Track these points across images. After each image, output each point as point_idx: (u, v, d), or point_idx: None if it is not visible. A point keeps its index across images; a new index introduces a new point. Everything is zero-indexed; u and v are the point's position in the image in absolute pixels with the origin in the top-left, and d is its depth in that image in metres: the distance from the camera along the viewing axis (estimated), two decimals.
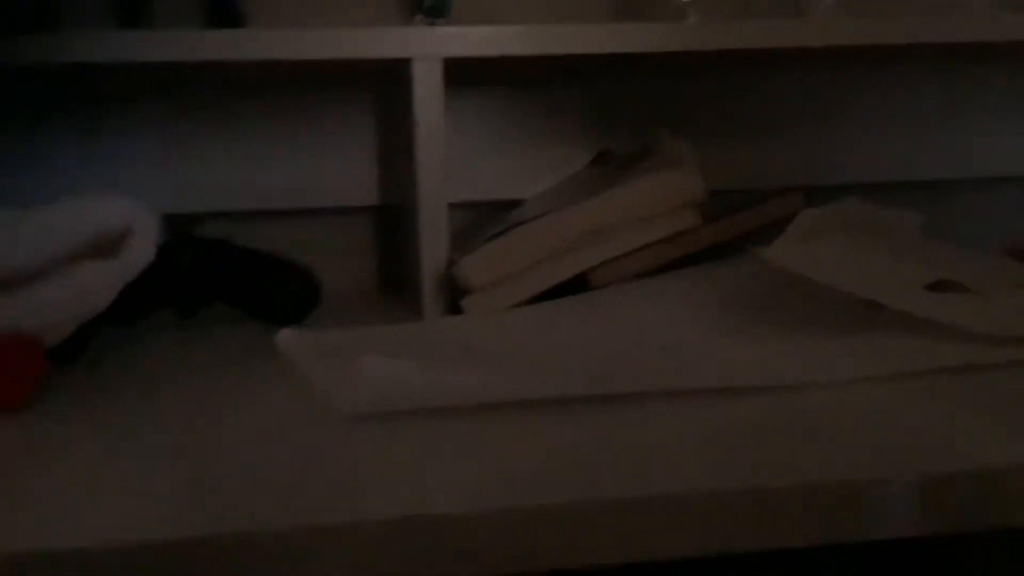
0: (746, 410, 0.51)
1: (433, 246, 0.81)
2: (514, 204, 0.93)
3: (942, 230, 0.86)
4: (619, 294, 0.75)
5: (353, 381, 0.51)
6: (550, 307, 0.74)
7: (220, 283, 0.80)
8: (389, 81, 0.92)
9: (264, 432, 0.49)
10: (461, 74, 0.88)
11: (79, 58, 0.75)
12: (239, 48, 0.77)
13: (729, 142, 0.98)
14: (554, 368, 0.56)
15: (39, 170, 0.90)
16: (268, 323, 0.78)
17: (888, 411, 0.51)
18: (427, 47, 0.79)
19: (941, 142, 1.02)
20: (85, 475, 0.44)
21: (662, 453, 0.45)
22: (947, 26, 0.84)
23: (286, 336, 0.68)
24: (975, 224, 1.03)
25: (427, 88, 0.80)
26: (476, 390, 0.50)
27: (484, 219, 0.94)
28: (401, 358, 0.53)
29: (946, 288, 0.69)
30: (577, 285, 0.76)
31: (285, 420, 0.51)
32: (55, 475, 0.44)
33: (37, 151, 0.90)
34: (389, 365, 0.51)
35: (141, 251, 0.57)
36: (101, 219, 0.55)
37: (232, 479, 0.43)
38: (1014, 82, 1.03)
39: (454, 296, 0.80)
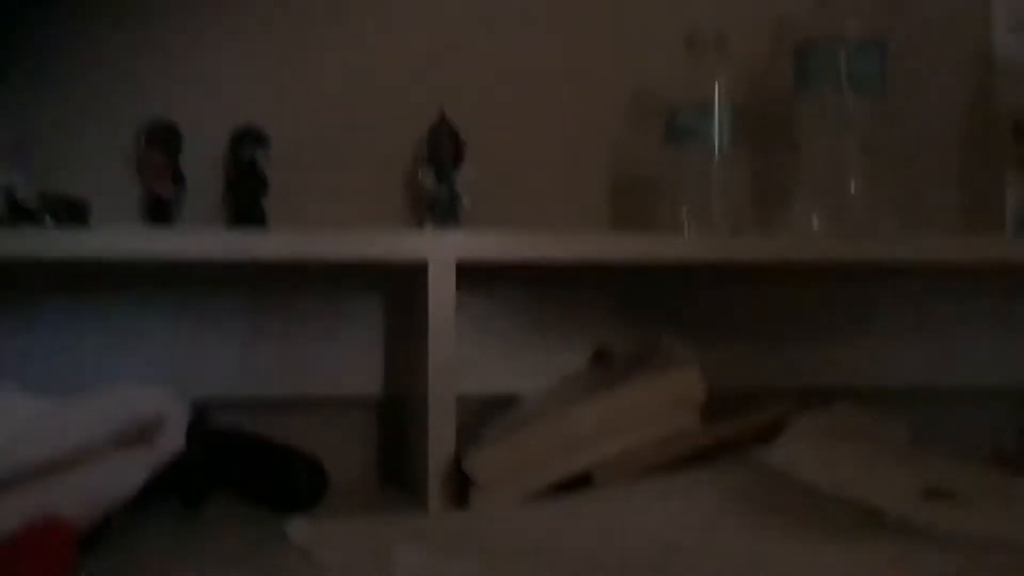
0: None
1: (440, 439, 0.83)
2: (516, 399, 0.96)
3: (926, 436, 0.89)
4: (622, 493, 0.77)
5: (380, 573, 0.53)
6: (556, 505, 0.76)
7: (230, 472, 0.81)
8: (399, 278, 0.96)
9: None
10: (470, 274, 0.92)
11: (112, 253, 0.80)
12: (272, 248, 0.81)
13: (722, 346, 1.03)
14: (569, 571, 0.58)
15: (54, 358, 0.92)
16: (274, 512, 0.79)
17: None
18: (442, 251, 0.84)
19: (924, 351, 1.08)
20: None
21: None
22: (921, 246, 0.90)
23: (299, 527, 0.69)
24: (958, 432, 1.06)
25: (440, 289, 0.84)
26: None
27: (486, 413, 0.96)
28: (428, 551, 0.54)
29: (938, 495, 0.72)
30: (582, 482, 0.78)
31: None
32: None
33: (51, 339, 0.93)
34: (420, 557, 0.53)
35: (173, 440, 0.59)
36: (137, 408, 0.58)
37: None
38: (990, 298, 1.09)
39: (459, 489, 0.81)
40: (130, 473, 0.57)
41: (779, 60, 0.99)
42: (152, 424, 0.59)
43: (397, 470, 0.98)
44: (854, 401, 0.86)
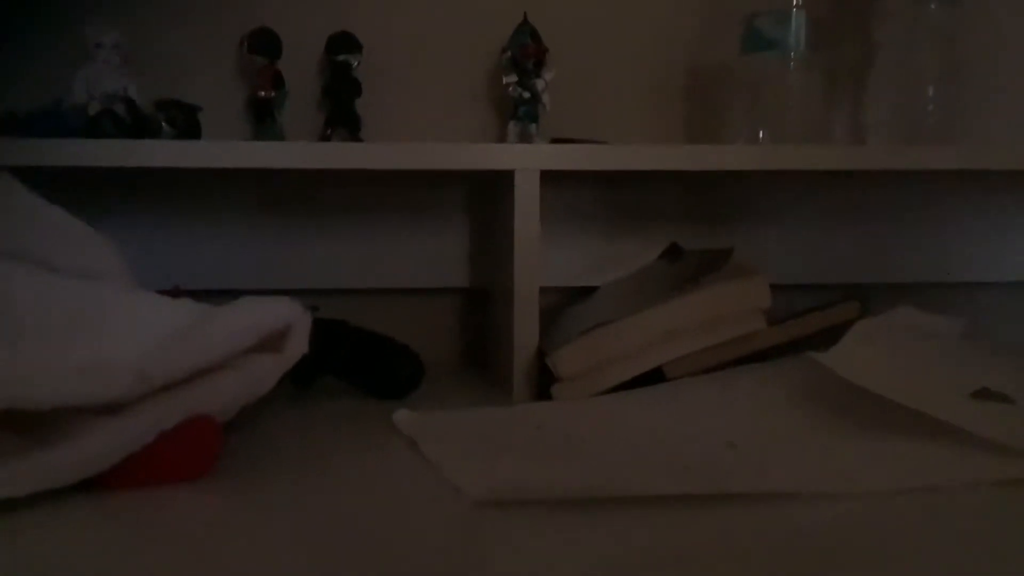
0: (805, 516, 0.58)
1: (525, 330, 0.91)
2: (592, 290, 1.04)
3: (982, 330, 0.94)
4: (691, 386, 0.84)
5: (484, 470, 0.62)
6: (631, 396, 0.83)
7: (339, 361, 0.90)
8: (485, 182, 1.03)
9: (394, 510, 0.58)
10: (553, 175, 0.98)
11: (226, 163, 0.87)
12: (371, 159, 0.88)
13: (786, 240, 1.09)
14: (650, 466, 0.65)
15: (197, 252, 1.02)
16: (377, 398, 0.89)
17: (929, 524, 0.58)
18: (528, 161, 0.90)
19: (981, 248, 1.13)
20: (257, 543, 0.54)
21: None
22: (988, 155, 0.94)
23: (404, 416, 0.78)
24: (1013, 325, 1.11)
25: (526, 195, 0.90)
26: (589, 488, 0.60)
27: (564, 304, 1.04)
28: (528, 459, 0.63)
29: (989, 396, 0.77)
30: (654, 376, 0.86)
31: (410, 499, 0.60)
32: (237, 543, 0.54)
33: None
34: (524, 466, 0.61)
35: (299, 346, 0.68)
36: (270, 319, 0.66)
37: (365, 556, 0.51)
38: None
39: (542, 380, 0.89)
40: (265, 376, 0.66)
41: None
42: (282, 332, 0.67)
43: (479, 356, 1.07)
44: (913, 302, 0.91)
